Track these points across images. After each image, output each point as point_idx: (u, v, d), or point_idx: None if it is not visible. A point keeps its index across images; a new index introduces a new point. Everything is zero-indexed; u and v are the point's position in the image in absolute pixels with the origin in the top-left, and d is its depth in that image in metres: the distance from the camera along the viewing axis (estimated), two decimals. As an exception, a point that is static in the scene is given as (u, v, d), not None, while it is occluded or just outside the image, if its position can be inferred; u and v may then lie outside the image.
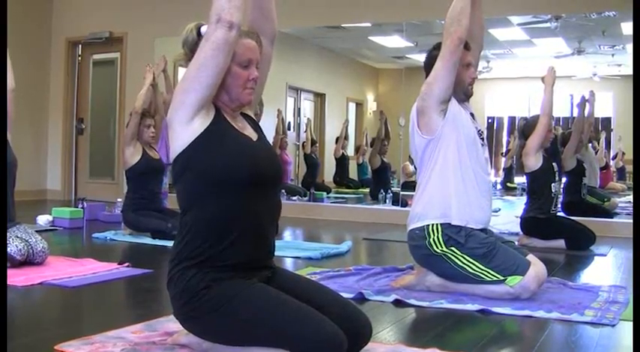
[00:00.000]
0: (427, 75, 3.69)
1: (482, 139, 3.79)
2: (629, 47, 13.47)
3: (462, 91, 3.74)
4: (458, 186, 3.62)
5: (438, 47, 3.66)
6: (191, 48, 2.38)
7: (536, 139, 5.76)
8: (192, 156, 2.27)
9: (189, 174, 2.29)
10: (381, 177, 9.90)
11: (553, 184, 5.86)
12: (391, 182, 9.86)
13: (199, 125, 2.27)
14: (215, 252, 2.25)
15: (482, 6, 3.84)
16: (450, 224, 3.60)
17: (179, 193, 2.36)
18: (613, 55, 14.01)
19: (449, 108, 3.64)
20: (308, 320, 2.15)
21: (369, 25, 10.14)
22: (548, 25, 11.66)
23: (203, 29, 2.37)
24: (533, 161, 5.79)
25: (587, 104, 7.43)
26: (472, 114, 3.82)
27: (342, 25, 10.26)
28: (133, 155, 5.87)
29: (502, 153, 10.75)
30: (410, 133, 3.80)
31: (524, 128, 6.09)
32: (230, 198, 2.27)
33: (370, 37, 13.70)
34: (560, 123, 9.06)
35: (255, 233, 2.32)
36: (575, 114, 7.88)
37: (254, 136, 2.43)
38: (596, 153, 9.35)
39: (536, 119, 5.88)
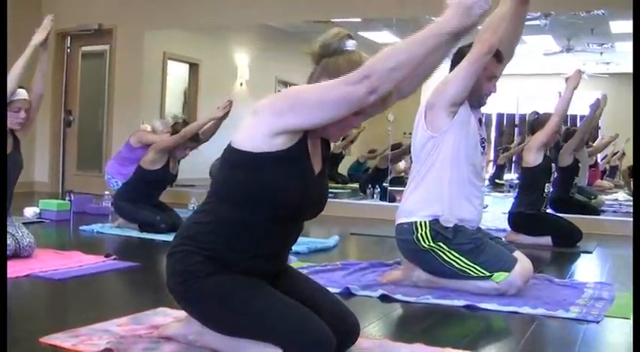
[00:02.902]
0: (451, 68, 3.63)
1: (483, 148, 3.77)
2: (618, 46, 13.51)
3: (476, 100, 3.68)
4: (452, 189, 3.61)
5: (470, 45, 3.55)
6: (327, 53, 2.29)
7: (542, 137, 5.76)
8: (255, 166, 2.17)
9: (241, 174, 2.20)
10: (379, 176, 9.91)
11: (547, 184, 5.88)
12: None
13: (279, 144, 2.15)
14: (227, 255, 2.23)
15: (524, 22, 3.72)
16: (438, 220, 3.60)
17: (219, 178, 2.30)
18: (602, 53, 14.05)
19: (459, 112, 3.58)
20: (298, 318, 2.16)
21: (358, 20, 10.12)
22: (537, 22, 11.67)
23: (349, 44, 2.29)
24: (534, 157, 5.79)
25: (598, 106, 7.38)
26: (480, 120, 3.78)
27: (332, 20, 10.23)
28: (154, 162, 5.81)
29: (500, 150, 10.79)
30: (414, 126, 3.73)
31: (534, 123, 6.06)
32: (263, 218, 2.22)
33: (359, 33, 13.70)
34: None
35: (272, 253, 2.32)
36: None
37: (318, 167, 2.33)
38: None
39: (547, 117, 5.88)
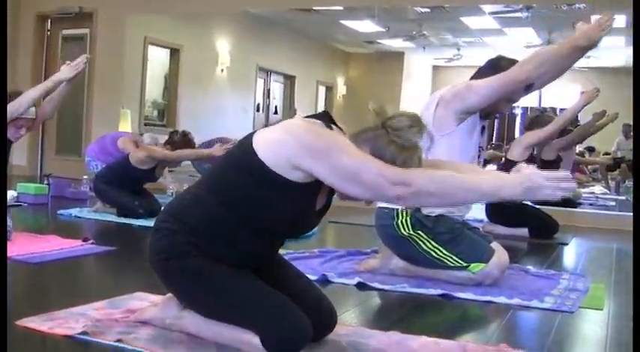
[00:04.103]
0: (479, 73, 3.61)
1: (479, 155, 3.74)
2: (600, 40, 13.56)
3: (485, 113, 3.64)
4: None
5: (512, 62, 3.50)
6: (390, 130, 2.14)
7: (535, 138, 5.80)
8: (261, 180, 2.11)
9: (243, 178, 2.15)
10: None
11: None
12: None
13: (296, 176, 2.09)
14: (213, 249, 2.21)
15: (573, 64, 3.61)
16: (420, 209, 3.58)
17: (217, 169, 2.28)
18: (582, 47, 14.13)
19: (468, 120, 3.55)
20: (277, 307, 2.18)
21: (340, 8, 10.11)
22: (519, 14, 11.71)
23: (416, 138, 2.14)
24: (520, 153, 5.84)
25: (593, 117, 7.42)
26: (483, 127, 3.74)
27: (314, 8, 10.23)
28: (143, 163, 5.78)
29: (491, 145, 10.84)
30: (422, 109, 3.65)
31: (534, 120, 6.05)
32: (247, 227, 2.20)
33: (342, 21, 13.68)
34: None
35: (256, 254, 2.31)
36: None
37: (321, 203, 2.28)
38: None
39: (548, 120, 5.92)
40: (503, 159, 6.10)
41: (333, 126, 2.20)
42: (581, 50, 3.37)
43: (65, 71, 4.40)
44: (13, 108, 4.14)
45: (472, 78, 3.64)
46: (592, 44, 3.32)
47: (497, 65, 3.57)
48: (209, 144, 8.50)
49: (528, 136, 5.89)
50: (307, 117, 2.23)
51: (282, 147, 2.09)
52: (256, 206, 2.16)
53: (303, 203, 2.19)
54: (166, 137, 6.19)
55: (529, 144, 5.82)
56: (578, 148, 9.18)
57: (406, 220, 3.58)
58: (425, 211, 3.57)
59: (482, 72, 3.60)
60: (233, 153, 2.26)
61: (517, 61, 3.57)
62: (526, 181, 2.03)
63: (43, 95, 4.35)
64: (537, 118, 6.07)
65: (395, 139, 2.12)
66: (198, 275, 2.21)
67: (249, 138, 2.18)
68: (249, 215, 2.18)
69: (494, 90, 3.43)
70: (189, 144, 6.07)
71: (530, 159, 5.88)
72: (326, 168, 2.05)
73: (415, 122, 2.16)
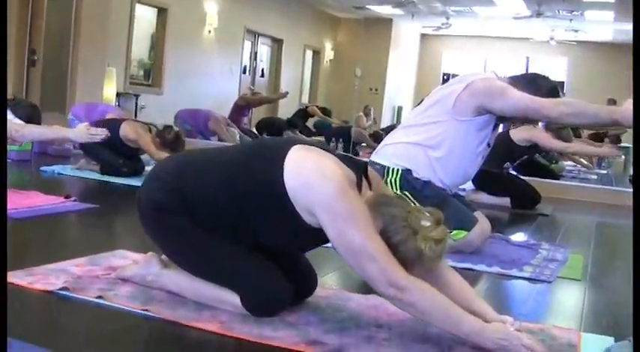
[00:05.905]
0: (517, 82, 3.59)
1: (488, 146, 3.72)
2: (588, 14, 13.60)
3: (499, 117, 3.62)
4: (437, 164, 3.55)
5: (552, 87, 3.57)
6: (413, 226, 2.06)
7: (543, 140, 5.87)
8: (277, 204, 2.10)
9: (257, 189, 2.14)
10: (343, 131, 10.13)
11: (508, 161, 5.97)
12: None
13: (307, 219, 2.09)
14: (206, 224, 2.22)
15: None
16: (411, 172, 3.56)
17: (233, 167, 2.23)
18: (571, 20, 14.15)
19: (483, 117, 3.51)
20: (260, 270, 2.21)
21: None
22: (509, -16, 11.71)
23: (430, 249, 2.03)
24: (522, 137, 5.87)
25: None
26: (496, 125, 3.73)
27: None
28: (129, 141, 5.64)
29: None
30: (447, 84, 3.65)
31: (553, 128, 6.05)
32: (256, 233, 2.22)
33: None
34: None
35: (257, 244, 2.29)
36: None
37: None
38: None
39: (567, 137, 6.02)
40: (503, 133, 6.12)
41: (364, 181, 2.18)
42: (617, 125, 3.37)
43: (79, 134, 4.28)
44: (16, 133, 4.10)
45: (509, 80, 3.61)
46: (629, 127, 3.33)
47: (536, 83, 3.57)
48: (194, 114, 8.47)
49: (540, 136, 5.91)
50: (345, 158, 2.18)
51: (308, 189, 2.06)
52: (264, 221, 2.17)
53: (311, 239, 2.22)
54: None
55: (534, 141, 5.87)
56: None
57: (395, 180, 3.54)
58: (415, 174, 3.55)
59: (521, 83, 3.55)
60: (258, 156, 2.22)
61: (556, 87, 3.64)
62: (504, 340, 1.98)
63: (47, 139, 4.32)
64: (559, 129, 6.06)
65: (410, 235, 2.04)
66: (184, 234, 2.22)
67: (282, 151, 2.13)
68: (255, 222, 2.18)
69: (522, 108, 3.42)
70: (180, 146, 5.86)
71: (531, 147, 5.94)
72: (335, 233, 2.04)
73: (442, 241, 2.06)
